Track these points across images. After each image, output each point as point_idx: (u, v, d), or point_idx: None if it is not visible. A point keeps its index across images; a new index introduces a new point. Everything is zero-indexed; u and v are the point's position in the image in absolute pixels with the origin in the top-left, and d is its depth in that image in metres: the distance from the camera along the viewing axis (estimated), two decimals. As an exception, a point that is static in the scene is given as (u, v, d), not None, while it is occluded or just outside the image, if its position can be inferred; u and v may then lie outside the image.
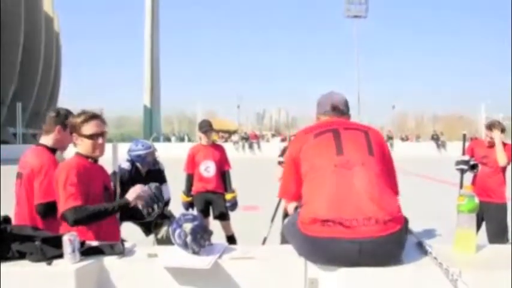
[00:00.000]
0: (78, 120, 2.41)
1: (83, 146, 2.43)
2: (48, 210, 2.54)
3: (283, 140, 31.88)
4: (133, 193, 2.38)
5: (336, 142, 2.00)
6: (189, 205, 5.23)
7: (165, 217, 4.51)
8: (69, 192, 2.24)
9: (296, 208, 2.19)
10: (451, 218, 4.48)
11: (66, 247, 1.86)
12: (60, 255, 1.89)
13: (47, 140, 2.78)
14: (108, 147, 2.50)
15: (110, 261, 1.93)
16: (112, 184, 2.76)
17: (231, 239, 5.16)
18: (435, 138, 31.17)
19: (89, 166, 2.42)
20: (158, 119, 66.13)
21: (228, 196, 5.15)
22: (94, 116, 2.44)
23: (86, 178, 2.34)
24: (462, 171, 4.32)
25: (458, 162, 4.34)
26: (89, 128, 2.40)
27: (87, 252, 1.95)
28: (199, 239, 1.96)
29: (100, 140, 2.43)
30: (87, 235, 2.23)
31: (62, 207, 2.24)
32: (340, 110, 2.25)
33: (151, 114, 63.44)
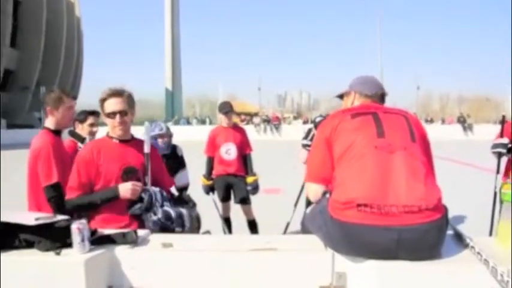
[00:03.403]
0: (100, 98, 2.40)
1: (108, 125, 2.45)
2: (53, 192, 2.51)
3: (305, 122, 31.54)
4: (126, 191, 2.31)
5: (376, 124, 1.85)
6: (209, 189, 5.11)
7: (184, 202, 4.41)
8: (70, 183, 2.35)
9: (324, 194, 2.00)
10: (484, 204, 4.31)
11: (75, 236, 1.74)
12: (70, 245, 1.77)
13: (48, 122, 2.74)
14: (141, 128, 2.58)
15: (121, 251, 1.81)
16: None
17: (252, 224, 5.03)
18: (461, 120, 30.35)
19: (109, 147, 2.40)
20: (180, 102, 66.38)
21: (249, 179, 5.00)
22: (113, 94, 2.39)
23: (95, 162, 2.34)
24: (500, 155, 4.05)
25: (496, 145, 4.04)
26: (107, 107, 2.39)
27: (97, 241, 1.83)
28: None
29: (117, 118, 2.38)
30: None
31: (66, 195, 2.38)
32: (384, 98, 2.15)
33: (172, 97, 63.70)
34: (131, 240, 1.85)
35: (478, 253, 1.62)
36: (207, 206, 4.94)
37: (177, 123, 36.81)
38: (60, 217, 1.89)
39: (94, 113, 3.68)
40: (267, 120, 31.38)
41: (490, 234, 4.07)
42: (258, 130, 29.24)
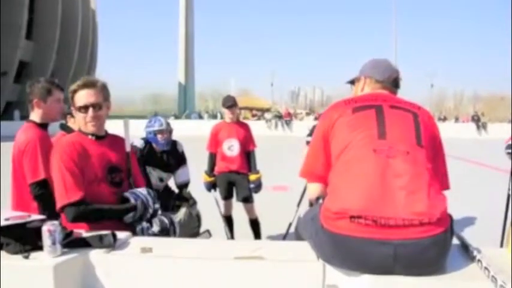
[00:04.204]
0: (70, 90, 2.16)
1: (78, 120, 2.20)
2: (39, 189, 2.38)
3: (316, 118, 31.25)
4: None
5: (378, 122, 1.65)
6: (211, 185, 4.97)
7: (184, 199, 4.29)
8: (65, 183, 2.02)
9: (318, 199, 1.84)
10: (498, 207, 4.11)
11: (45, 239, 1.61)
12: (41, 247, 1.64)
13: (34, 115, 2.59)
14: (121, 123, 2.41)
15: (96, 255, 1.67)
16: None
17: (254, 223, 4.88)
18: (476, 119, 29.76)
19: (87, 144, 2.14)
20: (192, 96, 66.43)
21: (252, 177, 4.84)
22: (84, 85, 2.14)
23: (81, 159, 2.08)
24: (514, 156, 3.87)
25: (510, 146, 3.87)
26: (78, 99, 2.13)
27: (71, 244, 1.70)
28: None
29: (90, 113, 2.12)
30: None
31: (59, 201, 2.03)
32: (398, 83, 1.94)
33: (185, 91, 63.76)
34: (108, 244, 1.71)
35: (486, 268, 1.46)
36: (208, 204, 4.82)
37: (188, 117, 36.80)
38: (34, 217, 1.76)
39: None
40: (279, 116, 31.13)
41: (502, 240, 3.89)
42: (269, 126, 29.04)
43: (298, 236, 1.89)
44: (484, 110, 40.66)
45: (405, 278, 1.44)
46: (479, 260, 1.53)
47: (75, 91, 2.14)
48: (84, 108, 2.13)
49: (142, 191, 2.19)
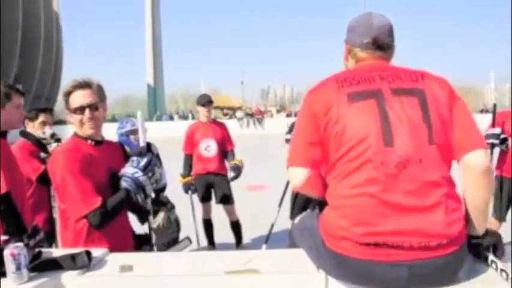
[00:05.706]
0: (64, 92, 2.04)
1: (74, 123, 2.07)
2: (1, 204, 2.14)
3: (288, 115, 31.29)
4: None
5: (382, 121, 1.36)
6: (188, 187, 4.74)
7: (162, 204, 4.09)
8: (81, 190, 1.89)
9: (313, 207, 1.63)
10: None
11: (9, 264, 1.41)
12: (5, 274, 1.44)
13: None
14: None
15: (69, 278, 1.48)
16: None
17: (235, 225, 4.71)
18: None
19: (87, 150, 2.02)
20: (162, 98, 65.74)
21: (233, 162, 4.65)
22: (79, 86, 2.02)
23: (85, 165, 1.95)
24: (492, 146, 3.82)
25: (488, 136, 3.82)
26: (73, 101, 2.01)
27: (40, 267, 1.50)
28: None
29: (87, 114, 2.00)
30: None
31: (78, 210, 1.90)
32: (385, 44, 1.53)
33: (155, 93, 63.01)
34: (82, 264, 1.52)
35: (502, 270, 1.34)
36: (186, 208, 4.64)
37: (159, 119, 36.27)
38: None
39: (46, 110, 3.31)
40: (250, 114, 31.00)
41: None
42: (241, 124, 28.85)
43: (292, 244, 1.73)
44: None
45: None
46: (492, 261, 1.41)
47: (69, 93, 2.02)
48: (80, 110, 2.01)
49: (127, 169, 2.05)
